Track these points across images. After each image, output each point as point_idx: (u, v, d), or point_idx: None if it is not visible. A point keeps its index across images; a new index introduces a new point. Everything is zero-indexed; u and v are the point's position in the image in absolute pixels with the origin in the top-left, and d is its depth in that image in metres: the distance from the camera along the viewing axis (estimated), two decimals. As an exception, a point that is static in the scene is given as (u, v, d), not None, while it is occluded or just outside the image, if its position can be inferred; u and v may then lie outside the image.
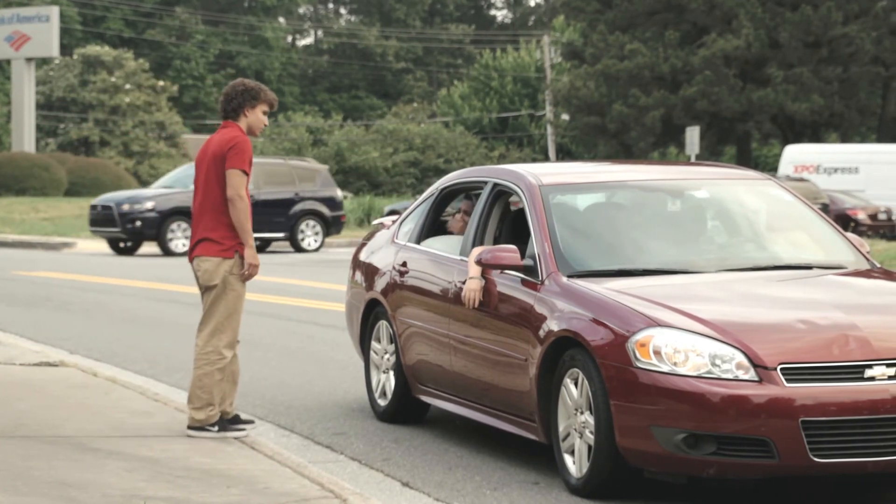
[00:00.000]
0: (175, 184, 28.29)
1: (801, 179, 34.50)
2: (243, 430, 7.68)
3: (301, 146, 53.74)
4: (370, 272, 8.97)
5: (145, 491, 6.26)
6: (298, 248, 28.40)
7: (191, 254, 7.63)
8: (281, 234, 28.36)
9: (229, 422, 7.69)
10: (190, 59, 75.88)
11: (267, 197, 27.76)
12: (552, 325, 6.90)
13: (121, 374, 10.19)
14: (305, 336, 13.00)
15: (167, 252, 26.90)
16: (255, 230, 29.16)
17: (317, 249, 28.36)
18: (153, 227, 26.78)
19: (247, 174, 7.45)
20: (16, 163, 44.21)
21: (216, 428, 7.59)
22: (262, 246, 28.62)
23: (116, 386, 9.35)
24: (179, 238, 26.95)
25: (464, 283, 7.79)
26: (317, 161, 47.37)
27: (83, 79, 59.70)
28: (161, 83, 61.63)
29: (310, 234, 28.48)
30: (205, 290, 7.56)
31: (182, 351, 11.83)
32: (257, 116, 7.55)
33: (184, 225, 26.90)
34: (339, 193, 29.51)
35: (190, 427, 7.63)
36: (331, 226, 28.96)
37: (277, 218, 28.03)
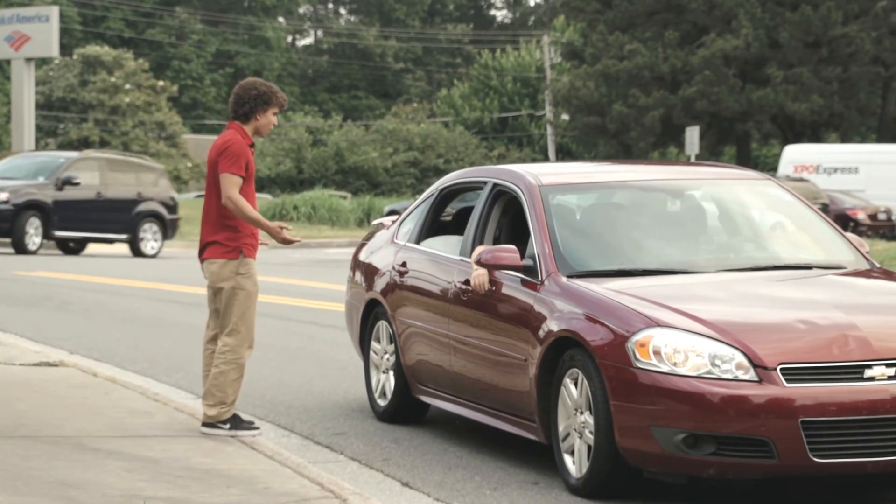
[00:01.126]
0: (15, 174, 25.48)
1: (801, 179, 34.50)
2: (257, 428, 7.74)
3: (300, 146, 53.73)
4: (370, 272, 8.97)
5: (145, 491, 6.26)
6: (137, 253, 26.44)
7: (200, 256, 7.76)
8: (123, 236, 26.46)
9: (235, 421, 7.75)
10: (189, 60, 75.87)
11: (110, 196, 26.00)
12: (552, 325, 6.90)
13: (121, 374, 10.19)
14: (305, 336, 13.00)
15: (22, 250, 24.66)
16: (96, 230, 27.55)
17: (155, 255, 26.49)
18: (7, 221, 24.43)
19: (242, 177, 7.51)
20: (15, 163, 44.15)
21: (227, 426, 7.65)
22: (78, 248, 26.85)
23: (116, 386, 9.34)
24: (33, 236, 24.82)
25: (464, 283, 7.80)
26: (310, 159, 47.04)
27: (83, 79, 59.71)
28: (161, 83, 61.65)
29: (150, 237, 26.61)
30: (215, 292, 7.67)
31: (182, 351, 11.82)
32: (268, 119, 7.62)
33: (36, 222, 24.80)
34: (175, 194, 27.78)
35: (203, 424, 7.71)
36: (168, 228, 27.05)
37: (119, 218, 26.16)
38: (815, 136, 46.12)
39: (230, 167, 7.45)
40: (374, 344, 8.85)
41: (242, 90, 7.57)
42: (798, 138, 44.57)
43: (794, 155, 38.45)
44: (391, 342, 8.63)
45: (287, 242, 7.66)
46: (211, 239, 7.63)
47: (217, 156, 7.53)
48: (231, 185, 7.45)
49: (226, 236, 7.56)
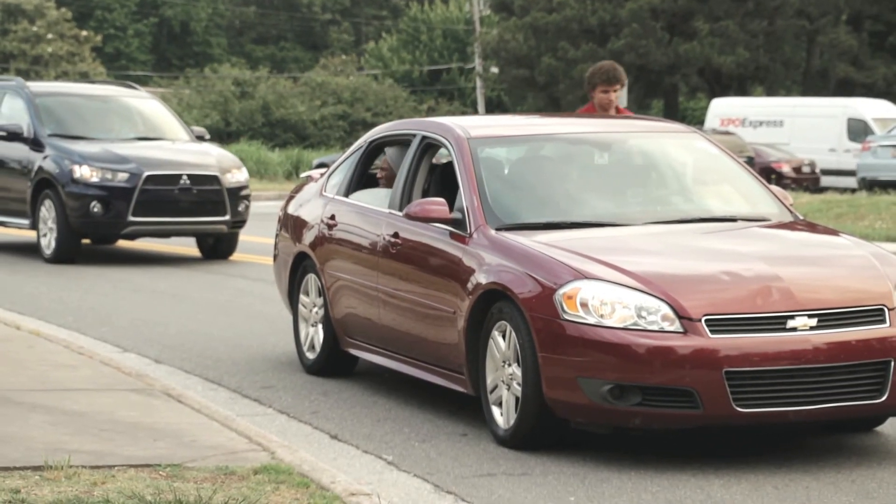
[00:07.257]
0: None
1: (727, 133, 34.80)
2: None
3: (227, 99, 53.17)
4: (298, 225, 8.93)
5: (70, 444, 6.21)
6: None
7: None
8: None
9: None
10: (112, 9, 74.65)
11: None
12: (480, 277, 6.92)
13: (45, 327, 10.08)
14: (234, 289, 12.92)
15: None
16: None
17: None
18: None
19: None
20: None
21: None
22: None
23: (40, 339, 9.24)
24: None
25: (393, 235, 7.78)
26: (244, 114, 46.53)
27: (3, 28, 58.59)
28: (84, 33, 60.66)
29: None
30: None
31: (107, 305, 11.71)
32: None
33: None
34: None
35: None
36: None
37: None
38: (741, 90, 46.49)
39: None
40: (302, 297, 8.83)
41: None
42: (724, 91, 44.91)
43: (721, 108, 38.76)
44: (320, 295, 8.61)
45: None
46: None
47: None
48: None
49: None
